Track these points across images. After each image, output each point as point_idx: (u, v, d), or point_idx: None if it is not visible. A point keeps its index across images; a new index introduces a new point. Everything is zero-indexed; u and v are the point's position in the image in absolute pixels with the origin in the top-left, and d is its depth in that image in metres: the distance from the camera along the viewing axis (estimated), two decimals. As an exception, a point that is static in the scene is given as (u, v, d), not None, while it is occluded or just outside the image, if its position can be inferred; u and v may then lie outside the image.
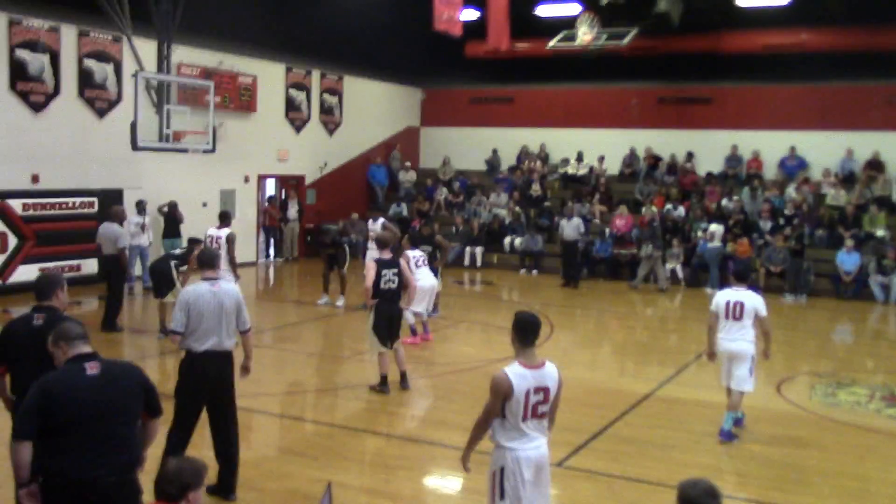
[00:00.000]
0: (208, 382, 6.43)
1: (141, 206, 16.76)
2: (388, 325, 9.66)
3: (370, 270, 9.63)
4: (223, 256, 12.21)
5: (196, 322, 6.33)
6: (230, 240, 12.29)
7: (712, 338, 8.51)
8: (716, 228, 19.18)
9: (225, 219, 12.74)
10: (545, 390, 4.96)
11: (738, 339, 8.25)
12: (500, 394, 4.86)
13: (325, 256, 15.60)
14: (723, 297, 8.41)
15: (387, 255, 9.84)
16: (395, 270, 9.64)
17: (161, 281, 12.09)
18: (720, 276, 18.99)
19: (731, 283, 8.85)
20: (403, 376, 9.91)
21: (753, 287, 8.91)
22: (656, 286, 19.02)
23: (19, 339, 5.44)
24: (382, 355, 9.69)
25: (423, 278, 12.22)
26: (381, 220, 15.45)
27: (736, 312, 8.25)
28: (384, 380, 9.74)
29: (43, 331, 5.14)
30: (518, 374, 4.88)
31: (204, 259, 6.80)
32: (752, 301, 8.28)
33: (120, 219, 13.23)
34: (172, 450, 6.40)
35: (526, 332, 4.98)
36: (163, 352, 11.73)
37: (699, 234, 19.72)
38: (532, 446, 4.97)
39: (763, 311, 8.26)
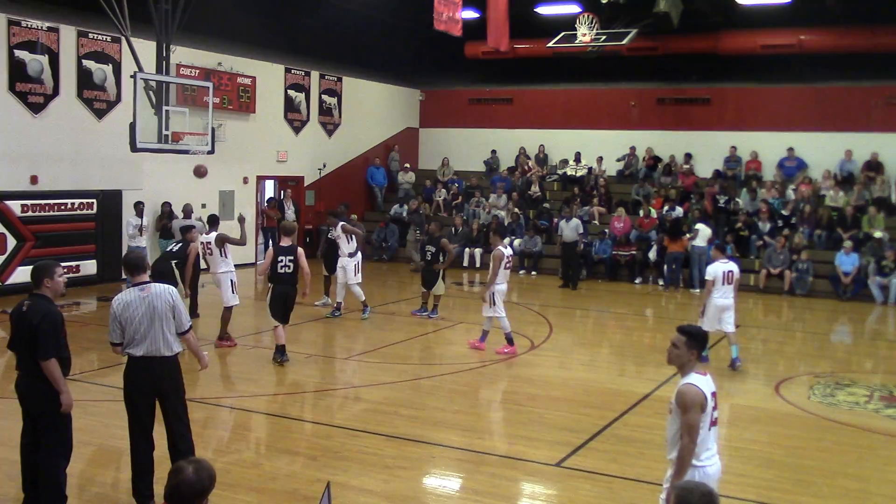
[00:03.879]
0: (145, 387, 6.30)
1: (139, 208, 16.74)
2: (283, 303, 11.07)
3: (268, 256, 11.12)
4: (218, 260, 12.20)
5: (129, 330, 6.21)
6: (220, 239, 12.27)
7: (708, 299, 11.34)
8: (701, 228, 19.22)
9: (213, 223, 12.71)
10: (714, 395, 4.89)
11: (729, 297, 11.35)
12: (699, 406, 4.70)
13: (325, 259, 15.52)
14: (718, 269, 11.36)
15: (286, 242, 11.08)
16: (291, 257, 10.90)
17: (163, 282, 12.08)
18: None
19: (715, 258, 11.68)
20: (282, 349, 11.05)
21: (732, 258, 12.94)
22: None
23: (12, 324, 6.12)
24: (277, 328, 11.05)
25: (501, 281, 11.95)
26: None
27: (729, 278, 11.34)
28: (282, 349, 11.03)
29: (22, 316, 5.98)
30: (704, 383, 4.80)
31: (129, 264, 6.59)
32: (736, 268, 11.57)
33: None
34: (135, 459, 6.37)
35: (703, 345, 5.01)
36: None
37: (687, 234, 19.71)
38: (714, 461, 4.85)
39: (738, 274, 11.55)
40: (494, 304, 11.87)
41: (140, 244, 16.52)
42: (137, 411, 6.35)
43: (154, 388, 6.32)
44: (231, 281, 12.16)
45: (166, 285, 6.51)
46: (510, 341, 12.06)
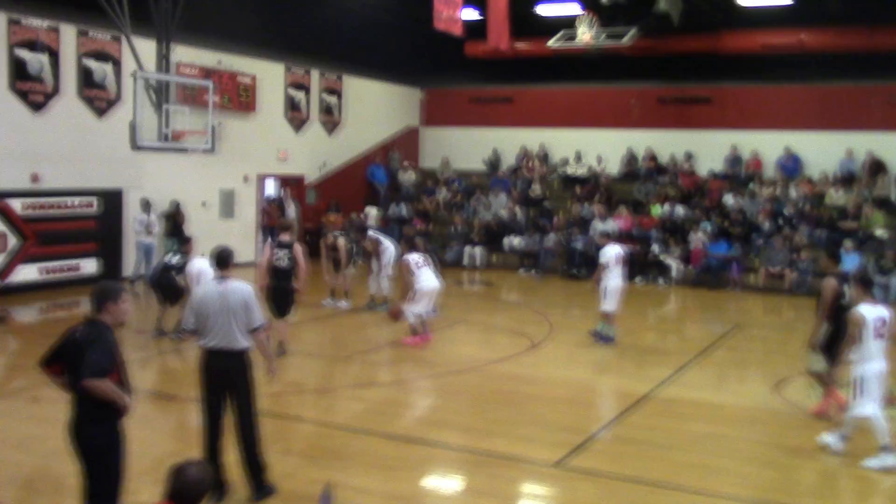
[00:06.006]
0: (214, 380, 6.56)
1: (146, 206, 16.73)
2: (278, 297, 11.07)
3: (267, 250, 11.28)
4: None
5: (203, 321, 6.54)
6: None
7: (601, 275, 12.57)
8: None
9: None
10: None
11: (620, 277, 12.67)
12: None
13: (331, 258, 15.34)
14: (612, 251, 12.54)
15: (284, 238, 11.17)
16: (288, 252, 10.96)
17: (169, 293, 12.18)
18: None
19: (609, 243, 12.85)
20: (280, 345, 11.14)
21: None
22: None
23: (66, 346, 5.30)
24: (274, 324, 10.93)
25: (426, 280, 12.27)
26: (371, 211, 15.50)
27: (620, 261, 12.65)
28: (279, 344, 11.09)
29: (77, 342, 5.17)
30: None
31: (219, 258, 6.92)
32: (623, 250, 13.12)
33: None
34: (205, 449, 6.54)
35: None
36: (162, 351, 11.78)
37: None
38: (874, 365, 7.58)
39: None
40: (414, 301, 12.25)
41: (150, 241, 16.61)
42: (207, 401, 6.62)
43: (224, 380, 6.54)
44: None
45: (243, 282, 6.71)
46: (415, 332, 12.37)
